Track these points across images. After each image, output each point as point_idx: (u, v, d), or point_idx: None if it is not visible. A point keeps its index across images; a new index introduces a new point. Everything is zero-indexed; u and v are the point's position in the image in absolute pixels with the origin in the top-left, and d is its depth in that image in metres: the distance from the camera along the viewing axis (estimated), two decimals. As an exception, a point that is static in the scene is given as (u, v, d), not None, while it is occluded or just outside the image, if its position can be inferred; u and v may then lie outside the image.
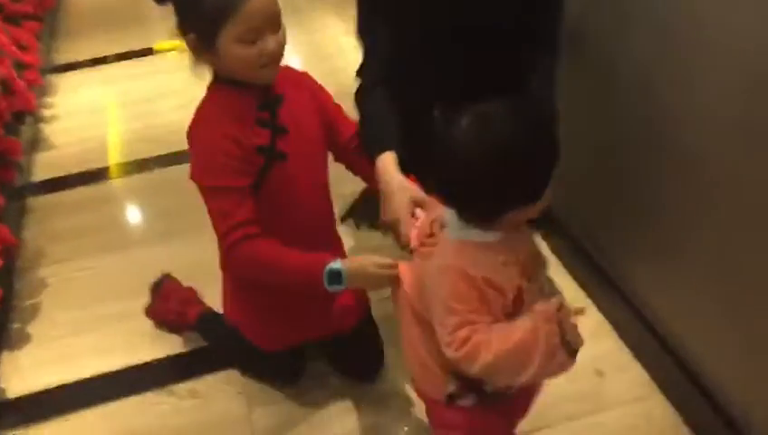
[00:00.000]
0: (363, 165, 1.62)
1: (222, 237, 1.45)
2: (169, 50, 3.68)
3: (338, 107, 1.67)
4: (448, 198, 1.16)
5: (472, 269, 1.12)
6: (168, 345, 2.00)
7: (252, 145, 1.44)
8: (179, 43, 1.43)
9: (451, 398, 1.25)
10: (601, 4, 1.71)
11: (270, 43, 1.38)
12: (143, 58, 3.76)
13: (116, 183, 2.85)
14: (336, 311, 1.71)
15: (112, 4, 4.57)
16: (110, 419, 1.82)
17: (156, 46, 3.79)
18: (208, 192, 1.45)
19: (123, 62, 3.77)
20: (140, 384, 1.90)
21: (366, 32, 1.77)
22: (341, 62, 3.43)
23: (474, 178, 1.08)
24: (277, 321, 1.71)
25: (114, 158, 2.98)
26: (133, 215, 2.69)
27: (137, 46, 3.86)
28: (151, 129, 3.11)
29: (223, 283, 1.76)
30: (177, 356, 1.97)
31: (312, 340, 1.79)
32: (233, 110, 1.45)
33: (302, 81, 1.62)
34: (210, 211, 1.46)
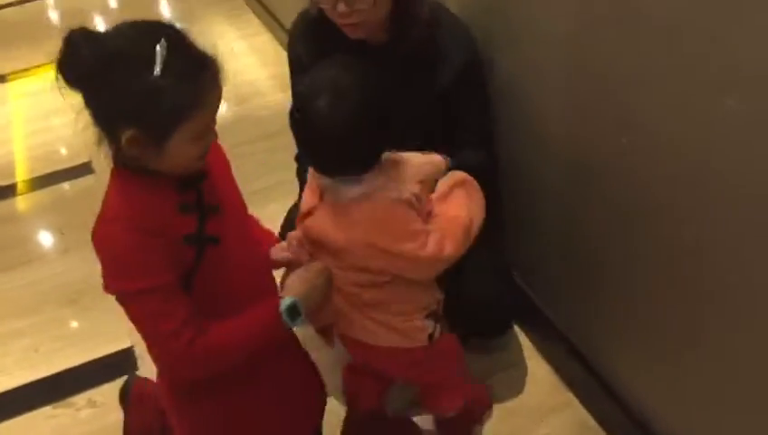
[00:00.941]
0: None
1: (167, 340, 1.19)
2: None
3: None
4: (331, 167, 1.29)
5: (396, 195, 1.29)
6: (65, 359, 2.00)
7: (177, 236, 1.20)
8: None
9: (431, 337, 1.41)
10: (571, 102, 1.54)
11: (212, 134, 1.19)
12: (35, 75, 3.71)
13: (11, 202, 2.82)
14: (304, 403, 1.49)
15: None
16: (8, 436, 1.82)
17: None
18: (132, 298, 1.19)
19: (16, 81, 3.71)
20: (38, 399, 1.90)
21: None
22: (234, 67, 3.45)
23: (342, 143, 1.25)
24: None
25: (10, 176, 2.94)
26: (29, 232, 2.65)
27: (29, 64, 3.80)
28: (47, 145, 3.07)
29: (165, 398, 1.43)
30: (75, 368, 1.98)
31: None
32: (149, 202, 1.20)
33: (214, 146, 1.34)
34: (138, 318, 1.21)
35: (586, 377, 1.70)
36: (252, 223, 1.45)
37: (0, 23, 4.46)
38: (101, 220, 1.21)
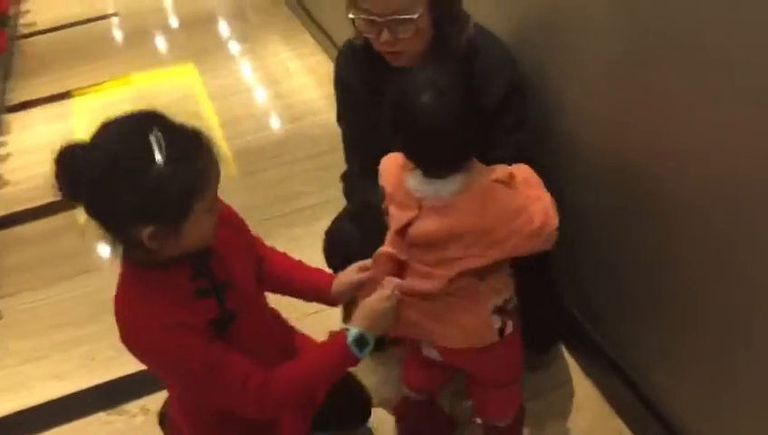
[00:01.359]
0: (307, 279, 1.52)
1: (242, 393, 1.26)
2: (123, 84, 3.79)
3: (258, 238, 1.52)
4: (437, 158, 1.35)
5: (491, 177, 1.36)
6: (120, 367, 2.05)
7: (201, 321, 1.23)
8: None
9: (501, 332, 1.44)
10: (605, 121, 1.56)
11: (219, 203, 1.22)
12: (99, 92, 3.84)
13: (72, 214, 2.91)
14: None
15: (65, 44, 4.63)
16: (64, 441, 1.88)
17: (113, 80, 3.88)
18: (200, 377, 1.23)
19: (81, 97, 3.85)
20: (94, 405, 1.97)
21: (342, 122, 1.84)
22: (289, 86, 3.58)
23: (450, 135, 1.32)
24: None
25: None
26: (89, 243, 2.73)
27: (93, 81, 3.94)
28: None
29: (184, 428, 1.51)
30: (129, 376, 2.03)
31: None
32: (166, 296, 1.22)
33: (223, 215, 1.30)
34: (213, 390, 1.26)
35: (634, 402, 1.68)
36: (276, 256, 1.51)
37: (66, 41, 4.64)
38: (128, 327, 1.25)
